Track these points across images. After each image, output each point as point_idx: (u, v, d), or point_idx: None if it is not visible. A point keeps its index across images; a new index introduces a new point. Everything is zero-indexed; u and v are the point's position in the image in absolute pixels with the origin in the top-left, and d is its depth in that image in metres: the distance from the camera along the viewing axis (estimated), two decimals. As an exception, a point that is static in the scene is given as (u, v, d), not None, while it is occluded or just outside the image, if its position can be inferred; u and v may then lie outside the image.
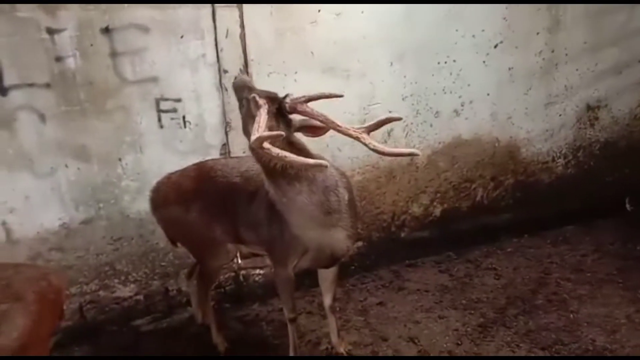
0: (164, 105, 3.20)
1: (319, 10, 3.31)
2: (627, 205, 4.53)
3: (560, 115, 4.19)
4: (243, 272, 3.64)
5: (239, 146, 3.36)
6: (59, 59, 2.92)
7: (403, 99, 3.72)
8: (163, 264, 3.48)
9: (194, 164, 2.95)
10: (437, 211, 4.03)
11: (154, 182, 3.00)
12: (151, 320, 3.46)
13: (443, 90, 3.80)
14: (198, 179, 2.81)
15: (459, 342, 2.98)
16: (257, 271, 3.66)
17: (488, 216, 4.13)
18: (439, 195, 4.01)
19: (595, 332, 2.95)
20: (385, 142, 3.79)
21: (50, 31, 2.87)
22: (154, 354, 3.09)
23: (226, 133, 3.35)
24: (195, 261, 3.15)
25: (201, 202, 2.76)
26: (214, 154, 3.33)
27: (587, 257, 3.63)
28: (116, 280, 3.42)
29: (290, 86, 3.33)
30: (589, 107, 4.25)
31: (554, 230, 4.10)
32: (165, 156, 3.22)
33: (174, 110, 3.23)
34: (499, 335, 3.01)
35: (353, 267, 3.82)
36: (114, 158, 3.19)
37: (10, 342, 2.08)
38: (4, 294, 2.16)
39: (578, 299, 3.26)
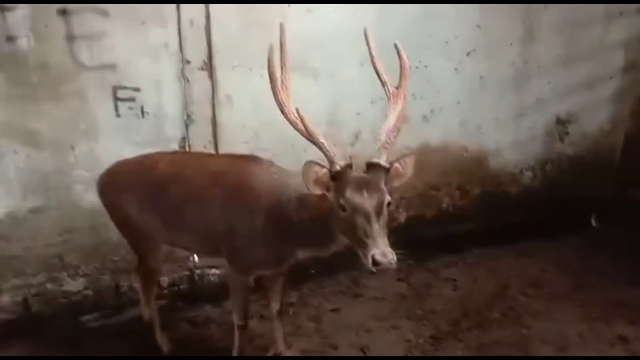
0: (122, 94, 3.09)
1: (289, 6, 3.23)
2: (593, 222, 4.55)
3: (530, 127, 4.18)
4: (198, 271, 3.54)
5: (199, 140, 3.26)
6: (10, 38, 2.79)
7: (372, 102, 3.65)
8: (115, 258, 3.36)
9: (144, 155, 2.81)
10: (402, 217, 3.98)
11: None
12: (100, 316, 3.34)
13: (413, 95, 3.74)
14: (139, 170, 2.68)
15: (409, 354, 2.94)
16: (213, 271, 3.56)
17: (452, 225, 4.09)
18: (404, 201, 3.95)
19: (546, 349, 2.93)
20: (353, 145, 3.74)
21: (2, 9, 2.73)
22: (93, 351, 2.97)
23: (186, 126, 3.25)
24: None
25: (137, 195, 2.63)
26: (173, 147, 3.22)
27: (547, 272, 3.61)
28: (65, 274, 3.30)
29: (255, 81, 3.25)
30: (559, 121, 4.25)
31: (517, 242, 4.07)
32: (121, 147, 3.09)
33: (132, 100, 3.11)
34: (450, 348, 2.97)
35: (312, 272, 3.75)
36: (66, 146, 3.07)
37: None
38: None
39: (533, 314, 3.24)
